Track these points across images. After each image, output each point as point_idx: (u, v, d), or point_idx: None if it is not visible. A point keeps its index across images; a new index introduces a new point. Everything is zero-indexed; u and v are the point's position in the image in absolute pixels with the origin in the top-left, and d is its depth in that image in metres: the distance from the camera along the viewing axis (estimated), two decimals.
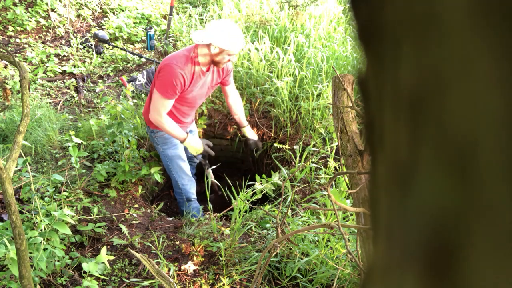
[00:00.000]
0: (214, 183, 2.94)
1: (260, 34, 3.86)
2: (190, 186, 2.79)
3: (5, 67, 3.84)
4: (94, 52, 4.31)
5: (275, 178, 2.43)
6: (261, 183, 2.44)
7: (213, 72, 2.49)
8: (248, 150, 3.00)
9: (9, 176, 1.32)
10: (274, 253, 1.28)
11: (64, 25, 4.71)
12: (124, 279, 2.06)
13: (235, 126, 3.50)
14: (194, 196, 2.84)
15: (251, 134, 2.90)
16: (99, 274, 2.00)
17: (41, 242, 1.87)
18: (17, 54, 4.11)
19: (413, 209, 0.17)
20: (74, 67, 4.14)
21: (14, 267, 1.63)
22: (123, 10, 5.08)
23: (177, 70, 2.22)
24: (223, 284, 2.03)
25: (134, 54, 4.20)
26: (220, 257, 2.17)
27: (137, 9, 5.05)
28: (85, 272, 1.93)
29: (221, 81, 2.61)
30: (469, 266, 0.15)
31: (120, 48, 4.28)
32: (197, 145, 2.56)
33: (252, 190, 2.44)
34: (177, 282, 2.04)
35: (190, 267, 2.12)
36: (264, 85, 3.53)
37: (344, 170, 1.38)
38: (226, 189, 2.83)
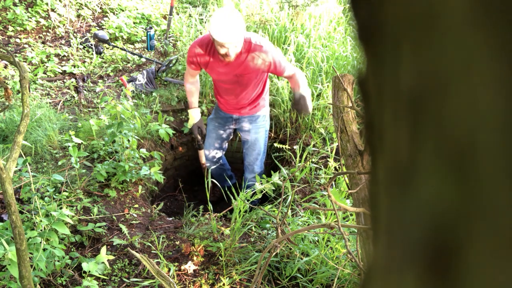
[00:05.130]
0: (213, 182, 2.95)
1: (260, 34, 3.86)
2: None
3: (5, 67, 3.84)
4: (94, 52, 4.31)
5: (275, 178, 2.43)
6: (261, 183, 2.44)
7: (243, 63, 2.39)
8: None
9: (9, 176, 1.32)
10: (274, 253, 1.28)
11: (64, 25, 4.71)
12: (124, 279, 2.06)
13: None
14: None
15: (298, 95, 2.51)
16: (99, 274, 2.00)
17: (40, 242, 1.87)
18: (17, 54, 4.11)
19: (413, 209, 0.17)
20: (74, 67, 4.14)
21: (13, 268, 1.63)
22: (123, 10, 5.08)
23: (193, 49, 2.46)
24: (223, 284, 2.03)
25: (134, 54, 4.20)
26: (220, 257, 2.17)
27: (137, 9, 5.05)
28: (85, 272, 1.93)
29: (273, 72, 2.49)
30: (469, 266, 0.15)
31: (120, 48, 4.28)
32: (190, 121, 2.82)
33: (252, 190, 2.44)
34: (177, 282, 2.04)
35: (190, 267, 2.12)
36: None
37: (344, 170, 1.38)
38: (226, 189, 2.83)
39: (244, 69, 2.42)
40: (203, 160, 2.99)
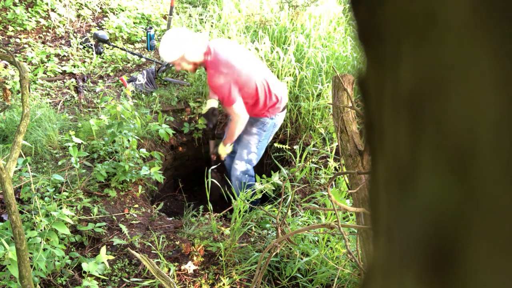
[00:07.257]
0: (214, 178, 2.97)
1: (260, 34, 3.86)
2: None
3: (5, 67, 3.84)
4: (94, 52, 4.31)
5: (275, 178, 2.43)
6: (261, 183, 2.44)
7: (208, 76, 2.59)
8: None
9: (9, 176, 1.32)
10: (274, 253, 1.28)
11: (64, 25, 4.71)
12: (124, 279, 2.06)
13: None
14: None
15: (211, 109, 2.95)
16: (99, 274, 2.00)
17: (40, 242, 1.87)
18: (17, 54, 4.11)
19: (413, 209, 0.17)
20: (74, 67, 4.14)
21: (13, 267, 1.63)
22: (123, 10, 5.08)
23: None
24: (223, 284, 2.03)
25: (134, 54, 4.20)
26: (220, 257, 2.17)
27: (137, 9, 5.05)
28: (85, 272, 1.93)
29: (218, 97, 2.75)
30: (469, 266, 0.15)
31: (120, 48, 4.28)
32: (206, 106, 2.97)
33: (252, 190, 2.44)
34: (177, 282, 2.04)
35: (190, 267, 2.12)
36: None
37: (344, 170, 1.38)
38: (226, 189, 2.83)
39: (209, 83, 2.58)
40: (212, 149, 3.12)
